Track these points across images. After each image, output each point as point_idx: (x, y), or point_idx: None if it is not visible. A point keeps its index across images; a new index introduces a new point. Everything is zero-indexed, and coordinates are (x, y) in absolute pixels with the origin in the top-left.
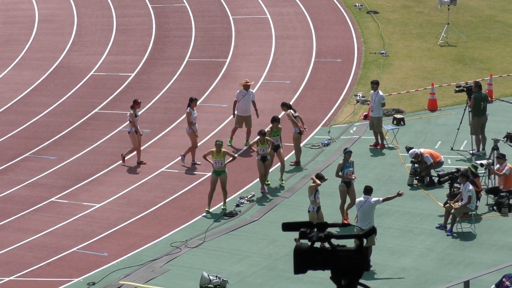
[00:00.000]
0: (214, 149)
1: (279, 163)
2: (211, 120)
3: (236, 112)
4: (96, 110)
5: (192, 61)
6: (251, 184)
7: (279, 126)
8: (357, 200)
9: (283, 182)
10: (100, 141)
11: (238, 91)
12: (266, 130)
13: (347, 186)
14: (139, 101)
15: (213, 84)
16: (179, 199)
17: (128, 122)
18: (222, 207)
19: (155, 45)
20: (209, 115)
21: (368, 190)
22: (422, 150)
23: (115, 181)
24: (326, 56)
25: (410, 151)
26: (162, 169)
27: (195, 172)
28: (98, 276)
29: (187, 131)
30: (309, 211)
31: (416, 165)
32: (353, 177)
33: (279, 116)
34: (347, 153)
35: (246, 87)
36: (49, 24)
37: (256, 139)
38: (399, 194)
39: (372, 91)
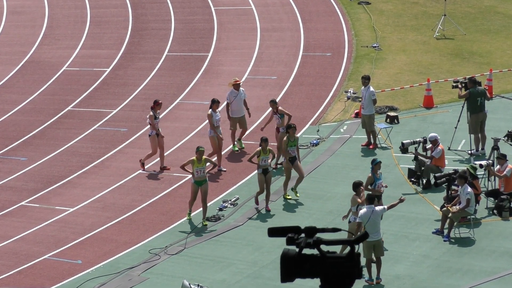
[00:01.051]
0: (194, 157)
1: (284, 176)
2: (192, 118)
3: (230, 114)
4: (69, 108)
5: (171, 56)
6: (235, 186)
7: (296, 135)
8: (362, 212)
9: (298, 196)
10: (73, 141)
11: (228, 92)
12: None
13: (377, 199)
14: (159, 101)
15: (194, 80)
16: (158, 203)
17: (148, 124)
18: (203, 223)
19: (131, 38)
20: (190, 113)
21: (371, 199)
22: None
23: (89, 184)
24: (315, 50)
25: (431, 135)
26: (140, 170)
27: (174, 174)
28: (72, 285)
29: (209, 134)
30: (350, 222)
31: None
32: (382, 189)
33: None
34: (377, 164)
35: (237, 86)
36: (19, 16)
37: (257, 149)
38: (401, 200)
39: (363, 87)
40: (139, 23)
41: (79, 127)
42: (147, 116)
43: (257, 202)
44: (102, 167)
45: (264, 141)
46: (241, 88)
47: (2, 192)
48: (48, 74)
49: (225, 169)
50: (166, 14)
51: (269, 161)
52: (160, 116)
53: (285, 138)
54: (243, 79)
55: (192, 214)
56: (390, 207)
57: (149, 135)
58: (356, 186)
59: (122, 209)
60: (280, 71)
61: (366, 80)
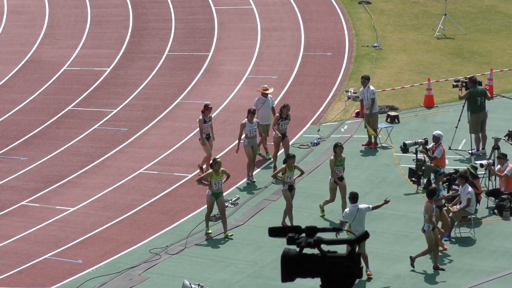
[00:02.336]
0: (211, 170)
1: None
2: (192, 117)
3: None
4: (69, 108)
5: (172, 55)
6: (235, 186)
7: (343, 155)
8: (347, 210)
9: (324, 214)
10: (74, 140)
11: (256, 98)
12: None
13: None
14: (209, 106)
15: (195, 79)
16: (159, 203)
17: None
18: (229, 235)
19: (132, 38)
20: (190, 113)
21: (354, 198)
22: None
23: (90, 183)
24: (315, 49)
25: (436, 132)
26: (141, 170)
27: (175, 174)
28: (72, 285)
29: (243, 143)
30: (424, 231)
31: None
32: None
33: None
34: (440, 175)
35: (265, 94)
36: (19, 15)
37: (283, 166)
38: (386, 202)
39: (362, 87)
40: (140, 22)
41: (79, 127)
42: (197, 120)
43: (284, 221)
44: (103, 166)
45: (290, 157)
46: (269, 96)
47: (2, 191)
48: (48, 74)
49: (254, 180)
50: (166, 13)
51: (294, 178)
52: (160, 117)
53: (332, 158)
54: (244, 78)
55: (192, 214)
56: (375, 207)
57: (199, 139)
58: (433, 193)
59: (123, 208)
60: (281, 70)
61: (365, 80)
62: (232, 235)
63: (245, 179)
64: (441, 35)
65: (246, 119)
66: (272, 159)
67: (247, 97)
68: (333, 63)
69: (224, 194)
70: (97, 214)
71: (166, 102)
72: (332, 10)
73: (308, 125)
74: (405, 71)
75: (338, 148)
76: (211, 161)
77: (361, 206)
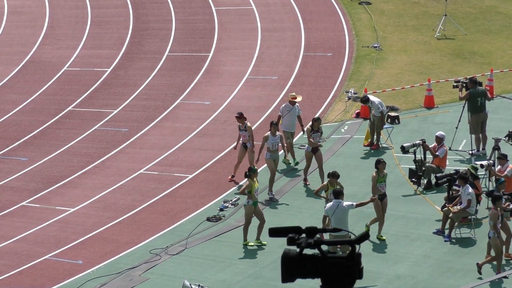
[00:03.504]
0: (249, 180)
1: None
2: (193, 118)
3: (281, 128)
4: (69, 108)
5: (172, 56)
6: (235, 187)
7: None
8: (328, 205)
9: (384, 238)
10: (74, 141)
11: (283, 105)
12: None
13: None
14: (242, 114)
15: (195, 80)
16: (159, 203)
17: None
18: (261, 243)
19: (132, 38)
20: (190, 113)
21: (338, 193)
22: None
23: (90, 184)
24: (316, 50)
25: (439, 132)
26: (141, 171)
27: (175, 174)
28: (73, 285)
29: (265, 157)
30: (490, 237)
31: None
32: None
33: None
34: (501, 183)
35: (292, 102)
36: (19, 16)
37: (324, 183)
38: (372, 200)
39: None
40: (140, 23)
41: (79, 127)
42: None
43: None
44: (103, 167)
45: (332, 175)
46: (296, 104)
47: (2, 192)
48: (48, 74)
49: (276, 198)
50: (167, 14)
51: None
52: (160, 117)
53: (374, 174)
54: (244, 79)
55: (193, 215)
56: (359, 205)
57: (234, 147)
58: (499, 198)
59: (123, 209)
60: (281, 71)
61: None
62: (266, 244)
63: (268, 194)
64: (441, 36)
65: (269, 132)
66: (292, 164)
67: (248, 98)
68: (333, 63)
69: (224, 194)
70: (97, 215)
71: (166, 103)
72: (333, 11)
73: (308, 125)
74: (405, 72)
75: (381, 164)
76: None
77: (344, 203)
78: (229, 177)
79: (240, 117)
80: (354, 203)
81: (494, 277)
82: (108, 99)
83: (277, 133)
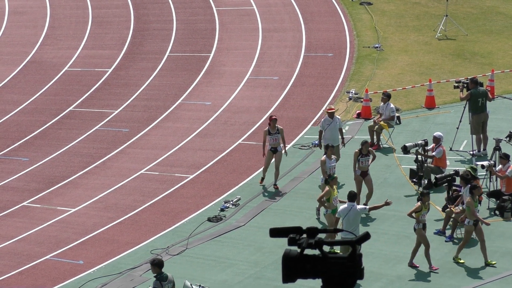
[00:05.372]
0: (327, 187)
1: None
2: (193, 118)
3: (322, 142)
4: (70, 108)
5: (173, 56)
6: (236, 187)
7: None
8: (341, 207)
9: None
10: (75, 141)
11: (322, 119)
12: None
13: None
14: (273, 117)
15: (196, 80)
16: (160, 203)
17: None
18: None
19: (133, 39)
20: (191, 113)
21: (352, 197)
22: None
23: (91, 184)
24: (317, 50)
25: (437, 133)
26: (142, 171)
27: (176, 175)
28: (74, 285)
29: (321, 182)
30: None
31: (419, 157)
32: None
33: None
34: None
35: (330, 114)
36: (20, 16)
37: (417, 204)
38: (386, 203)
39: (382, 103)
40: (141, 23)
41: (80, 128)
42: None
43: (413, 262)
44: (104, 167)
45: (424, 195)
46: (336, 116)
47: (4, 192)
48: (49, 75)
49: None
50: (168, 14)
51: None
52: (161, 117)
53: (468, 199)
54: (245, 79)
55: (194, 215)
56: (372, 209)
57: (263, 155)
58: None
59: (124, 209)
60: (282, 71)
61: (386, 97)
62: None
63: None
64: (442, 36)
65: (325, 155)
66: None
67: (249, 98)
68: (334, 64)
69: (225, 195)
70: (98, 215)
71: (167, 103)
72: (333, 11)
73: (309, 126)
74: (406, 72)
75: (476, 189)
76: (326, 177)
77: (357, 206)
78: (260, 181)
79: (276, 120)
80: (367, 207)
81: (494, 278)
82: (109, 99)
83: (333, 156)
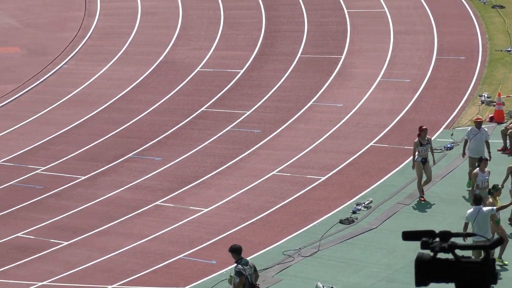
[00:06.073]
0: (491, 200)
1: None
2: (324, 120)
3: (467, 152)
4: (203, 109)
5: (304, 58)
6: (368, 189)
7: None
8: (468, 211)
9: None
10: (207, 141)
11: (469, 129)
12: None
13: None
14: (423, 127)
15: (327, 82)
16: (292, 204)
17: None
18: (504, 262)
19: (265, 40)
20: (322, 115)
21: (478, 200)
22: None
23: (223, 185)
24: (448, 53)
25: None
26: (273, 172)
27: (308, 176)
28: (206, 285)
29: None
30: None
31: None
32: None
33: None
34: None
35: (477, 124)
36: (153, 16)
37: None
38: None
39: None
40: (272, 25)
41: (213, 128)
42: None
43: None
44: (236, 168)
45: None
46: (483, 128)
47: (137, 191)
48: (182, 75)
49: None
50: (299, 16)
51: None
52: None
53: (416, 140)
54: (376, 81)
55: (325, 217)
56: (500, 208)
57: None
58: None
59: (256, 210)
60: (414, 74)
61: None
62: (507, 264)
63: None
64: None
65: (478, 168)
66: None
67: (380, 101)
68: (466, 67)
69: (357, 197)
70: (230, 215)
71: (298, 104)
72: (465, 14)
73: (441, 129)
74: None
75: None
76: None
77: (484, 208)
78: (422, 198)
79: (427, 130)
80: (494, 208)
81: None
82: (241, 100)
83: (486, 169)
